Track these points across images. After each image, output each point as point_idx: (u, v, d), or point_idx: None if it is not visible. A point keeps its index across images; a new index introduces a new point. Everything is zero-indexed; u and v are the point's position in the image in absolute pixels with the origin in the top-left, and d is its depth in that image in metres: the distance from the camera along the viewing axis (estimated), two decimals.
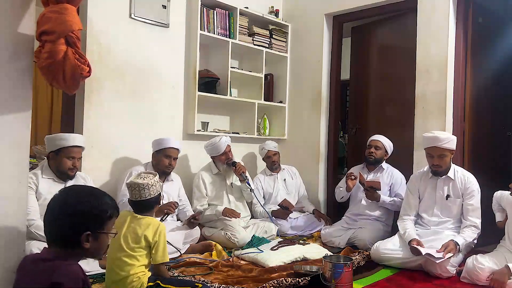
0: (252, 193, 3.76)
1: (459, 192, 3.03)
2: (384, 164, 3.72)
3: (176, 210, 3.28)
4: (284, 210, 3.80)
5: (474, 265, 2.60)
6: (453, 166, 3.10)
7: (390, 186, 3.66)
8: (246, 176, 3.70)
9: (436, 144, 2.97)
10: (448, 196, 3.06)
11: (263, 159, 4.16)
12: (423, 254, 2.76)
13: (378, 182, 3.49)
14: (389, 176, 3.68)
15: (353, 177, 3.60)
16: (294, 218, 3.90)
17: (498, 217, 2.87)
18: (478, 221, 2.94)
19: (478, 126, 3.80)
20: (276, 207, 3.90)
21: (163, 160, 3.25)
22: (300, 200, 4.22)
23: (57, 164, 2.73)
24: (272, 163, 4.09)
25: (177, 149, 3.33)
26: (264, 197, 4.04)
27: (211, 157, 3.74)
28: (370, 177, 3.66)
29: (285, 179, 4.16)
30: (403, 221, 3.12)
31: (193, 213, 3.41)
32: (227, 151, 3.68)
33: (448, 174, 3.06)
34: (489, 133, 3.96)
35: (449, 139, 3.00)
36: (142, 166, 3.31)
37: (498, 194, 2.88)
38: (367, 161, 3.72)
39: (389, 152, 3.70)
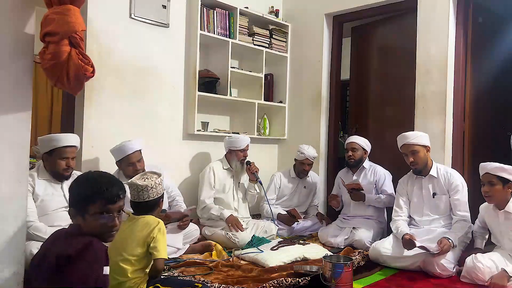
0: (257, 196, 3.78)
1: (444, 189, 3.08)
2: (366, 163, 3.73)
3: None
4: (291, 217, 3.80)
5: (474, 264, 2.60)
6: (435, 164, 3.16)
7: (375, 184, 3.68)
8: (259, 177, 3.72)
9: (405, 142, 3.11)
10: (434, 194, 3.10)
11: (295, 159, 4.06)
12: (417, 246, 2.78)
13: (357, 183, 3.54)
14: (372, 174, 3.69)
15: (334, 197, 3.73)
16: (297, 224, 3.88)
17: (477, 244, 2.94)
18: (467, 214, 2.99)
19: (478, 126, 3.81)
20: (283, 211, 3.89)
21: (128, 169, 3.05)
22: (309, 208, 4.21)
23: (51, 166, 2.70)
24: (303, 171, 4.02)
25: (138, 150, 3.12)
26: (276, 194, 4.04)
27: (228, 151, 3.74)
28: (354, 178, 3.70)
29: (305, 187, 4.14)
30: (395, 221, 3.15)
31: (185, 207, 3.39)
32: (246, 149, 3.71)
33: (431, 173, 3.11)
34: (489, 133, 3.96)
35: (416, 135, 3.13)
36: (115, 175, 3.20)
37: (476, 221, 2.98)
38: (348, 164, 3.76)
39: (368, 150, 3.72)
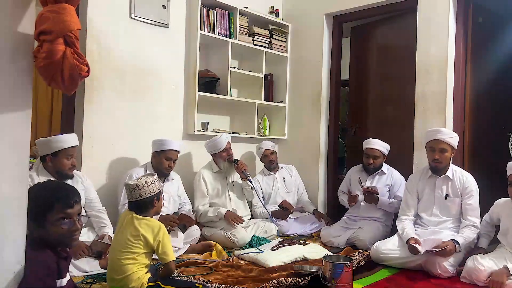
0: (254, 191, 3.76)
1: (458, 192, 3.04)
2: (385, 167, 3.71)
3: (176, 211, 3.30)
4: (283, 211, 3.80)
5: (475, 265, 2.59)
6: (451, 166, 3.12)
7: (389, 187, 3.66)
8: (248, 174, 3.70)
9: (438, 137, 3.00)
10: (447, 195, 3.06)
11: (260, 159, 4.17)
12: (422, 253, 2.77)
13: (375, 190, 3.54)
14: (388, 178, 3.69)
15: (354, 198, 3.63)
16: (294, 219, 3.90)
17: (482, 243, 2.91)
18: (477, 221, 2.95)
19: (478, 126, 3.80)
20: (275, 208, 3.90)
21: (163, 162, 3.24)
22: (300, 200, 4.22)
23: (56, 166, 2.72)
24: (270, 162, 4.09)
25: (178, 151, 3.32)
26: (263, 197, 4.04)
27: (212, 155, 3.73)
28: (369, 180, 3.69)
29: (284, 178, 4.16)
30: (401, 221, 3.12)
31: (190, 211, 3.41)
32: (228, 147, 3.68)
33: (447, 174, 3.07)
34: (489, 133, 3.96)
35: (451, 134, 3.06)
36: (142, 168, 3.30)
37: (487, 215, 2.95)
38: (368, 170, 3.72)
39: (387, 153, 3.70)
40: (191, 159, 4.02)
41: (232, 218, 3.42)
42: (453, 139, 3.04)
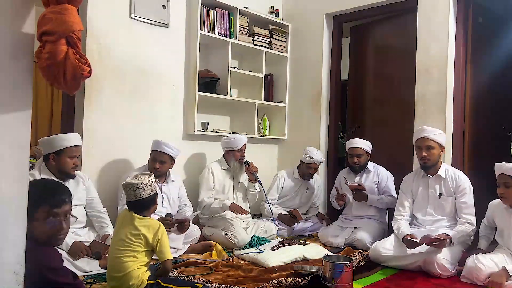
0: (257, 195, 3.77)
1: (451, 190, 3.06)
2: (370, 165, 3.73)
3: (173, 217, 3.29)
4: (292, 218, 3.79)
5: (476, 265, 2.59)
6: (443, 164, 3.14)
7: (377, 184, 3.68)
8: (258, 176, 3.71)
9: (423, 135, 3.05)
10: (440, 194, 3.09)
11: (302, 161, 4.00)
12: (419, 242, 2.78)
13: (361, 185, 3.56)
14: (375, 175, 3.71)
15: (341, 196, 3.67)
16: (297, 224, 3.88)
17: (481, 245, 2.92)
18: (472, 218, 2.97)
19: (478, 126, 3.80)
20: (284, 211, 3.89)
21: (151, 162, 3.22)
22: (309, 211, 4.20)
23: (59, 165, 2.72)
24: (308, 174, 4.00)
25: (166, 154, 3.19)
26: (277, 193, 4.02)
27: (225, 151, 3.74)
28: (357, 179, 3.70)
29: (307, 188, 4.11)
30: (396, 221, 3.14)
31: (191, 213, 3.39)
32: (243, 149, 3.71)
33: (439, 173, 3.09)
34: (489, 133, 3.96)
35: (436, 132, 3.08)
36: (139, 170, 3.21)
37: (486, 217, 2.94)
38: (354, 169, 3.74)
39: (370, 151, 3.71)
40: (191, 159, 4.02)
41: (237, 210, 3.46)
42: (438, 135, 3.06)
